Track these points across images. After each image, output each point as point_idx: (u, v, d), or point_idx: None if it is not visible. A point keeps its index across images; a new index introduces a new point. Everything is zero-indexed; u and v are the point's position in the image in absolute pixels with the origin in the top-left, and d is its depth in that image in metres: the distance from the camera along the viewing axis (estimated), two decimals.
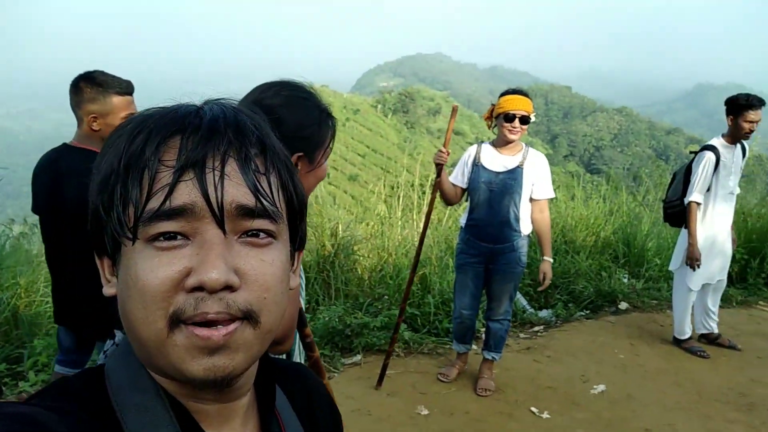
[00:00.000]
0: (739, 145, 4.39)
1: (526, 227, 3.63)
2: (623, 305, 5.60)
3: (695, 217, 4.32)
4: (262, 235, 0.58)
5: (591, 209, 7.12)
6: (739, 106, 4.20)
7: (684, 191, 4.42)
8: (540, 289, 3.80)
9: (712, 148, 4.32)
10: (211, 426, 0.62)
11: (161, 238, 0.55)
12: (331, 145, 1.45)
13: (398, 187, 7.09)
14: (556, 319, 5.26)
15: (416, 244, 6.24)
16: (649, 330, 5.03)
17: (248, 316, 0.57)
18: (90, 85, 2.35)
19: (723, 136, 4.39)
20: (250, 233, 0.58)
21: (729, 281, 6.45)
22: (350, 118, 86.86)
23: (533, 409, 3.61)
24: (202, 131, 0.56)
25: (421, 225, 6.66)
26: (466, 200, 3.79)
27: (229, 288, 0.55)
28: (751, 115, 4.17)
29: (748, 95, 4.23)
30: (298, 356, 1.59)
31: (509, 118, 3.46)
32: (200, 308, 0.54)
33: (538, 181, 3.60)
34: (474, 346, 4.33)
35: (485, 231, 3.61)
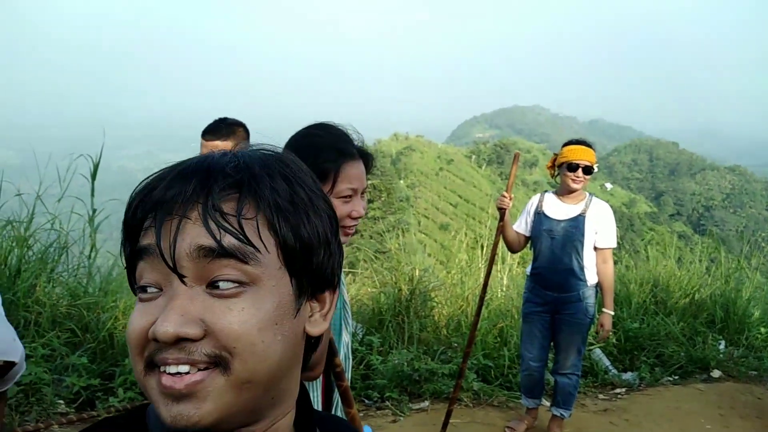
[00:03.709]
0: None
1: (592, 277, 3.56)
2: (716, 373, 5.21)
3: None
4: (226, 285, 0.57)
5: (685, 269, 6.75)
6: None
7: None
8: (598, 340, 3.71)
9: None
10: None
11: (144, 290, 0.59)
12: (338, 185, 1.52)
13: (482, 237, 7.09)
14: (639, 382, 4.98)
15: (497, 294, 6.20)
16: (743, 401, 4.64)
17: (218, 362, 0.56)
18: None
19: None
20: (215, 284, 0.57)
21: None
22: (444, 168, 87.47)
23: None
24: (167, 180, 0.59)
25: (504, 277, 6.62)
26: (531, 249, 3.77)
27: (187, 340, 0.55)
28: None
29: None
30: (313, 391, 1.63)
31: (572, 167, 3.47)
32: (161, 354, 0.56)
33: (601, 229, 3.56)
34: (546, 402, 4.19)
35: (549, 279, 3.57)
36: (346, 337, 1.69)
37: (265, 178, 0.61)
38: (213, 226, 0.56)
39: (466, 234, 7.31)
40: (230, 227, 0.57)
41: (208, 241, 0.56)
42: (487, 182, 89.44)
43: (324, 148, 1.52)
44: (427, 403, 4.22)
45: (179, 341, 0.55)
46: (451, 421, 3.79)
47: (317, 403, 1.61)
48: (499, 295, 6.15)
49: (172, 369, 0.55)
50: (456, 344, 4.97)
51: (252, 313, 0.57)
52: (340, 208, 1.54)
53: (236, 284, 0.57)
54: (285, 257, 0.61)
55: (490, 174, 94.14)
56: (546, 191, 3.80)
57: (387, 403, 4.16)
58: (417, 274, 5.49)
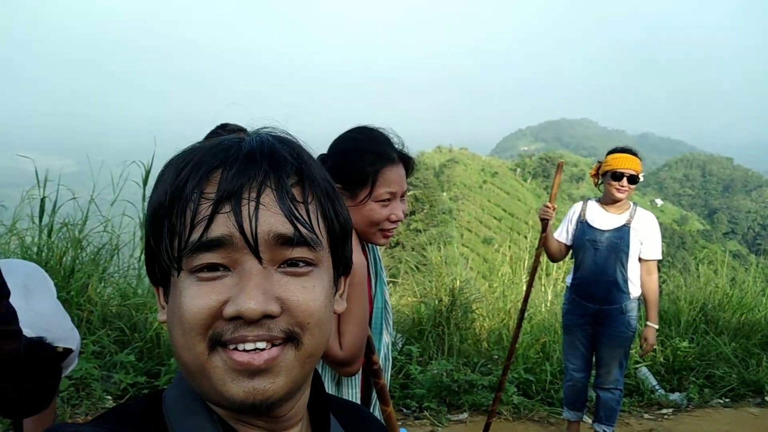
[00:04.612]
0: None
1: (635, 289, 3.46)
2: None
3: None
4: (301, 264, 0.60)
5: (738, 288, 6.49)
6: None
7: None
8: (641, 354, 3.60)
9: None
10: None
11: (204, 270, 0.57)
12: (377, 188, 1.54)
13: (525, 251, 7.00)
14: (687, 403, 4.81)
15: (540, 309, 6.10)
16: None
17: (291, 338, 0.58)
18: None
19: None
20: (289, 263, 0.59)
21: None
22: (488, 181, 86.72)
23: None
24: (238, 164, 0.59)
25: (549, 292, 6.51)
26: (571, 258, 3.70)
27: (268, 317, 0.57)
28: None
29: None
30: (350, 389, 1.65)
31: (617, 176, 3.39)
32: (239, 332, 0.56)
33: (646, 240, 3.47)
34: (588, 419, 4.09)
35: (591, 291, 3.49)
36: (386, 337, 1.70)
37: (311, 164, 0.64)
38: (288, 215, 0.59)
39: (510, 247, 7.24)
40: (302, 217, 0.60)
41: (286, 230, 0.58)
42: (532, 196, 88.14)
43: (365, 151, 1.55)
44: (465, 414, 4.18)
45: (261, 318, 0.57)
46: None
47: (356, 400, 1.62)
48: (543, 310, 6.05)
49: (249, 346, 0.57)
50: (497, 356, 4.91)
51: (320, 291, 0.61)
52: (379, 211, 1.55)
53: (308, 265, 0.61)
54: (331, 241, 0.65)
55: (536, 188, 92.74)
56: (589, 199, 3.73)
57: (425, 413, 4.13)
58: (458, 285, 5.46)
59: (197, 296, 0.57)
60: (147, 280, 4.86)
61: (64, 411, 3.45)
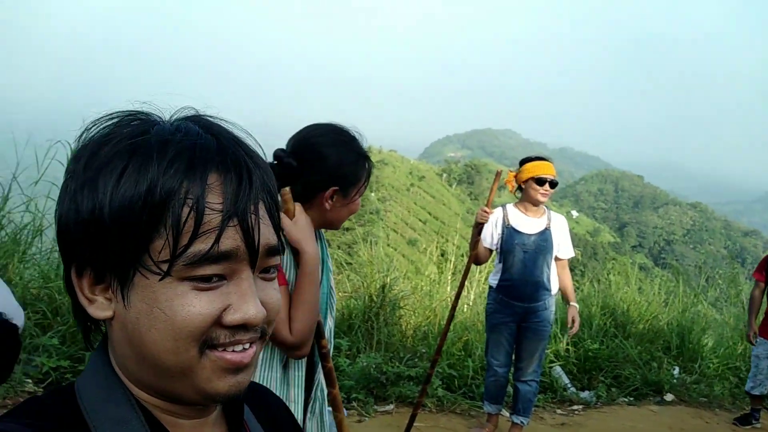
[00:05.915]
0: None
1: (555, 286, 3.76)
2: (669, 397, 5.43)
3: None
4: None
5: (645, 296, 6.99)
6: None
7: None
8: (570, 333, 3.84)
9: None
10: None
11: (201, 279, 0.57)
12: (365, 185, 1.68)
13: (450, 252, 7.23)
14: (596, 400, 5.16)
15: (462, 309, 6.33)
16: (693, 425, 4.85)
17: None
18: None
19: None
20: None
21: None
22: (415, 184, 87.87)
23: None
24: (242, 174, 0.58)
25: (471, 292, 6.76)
26: (493, 261, 3.91)
27: None
28: None
29: None
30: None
31: (541, 181, 3.63)
32: (236, 337, 0.59)
33: (562, 241, 3.78)
34: (506, 412, 4.31)
35: (520, 291, 3.71)
36: (330, 322, 1.79)
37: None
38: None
39: (437, 248, 7.45)
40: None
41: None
42: (457, 201, 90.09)
43: (358, 155, 1.65)
44: (392, 406, 4.31)
45: None
46: (415, 424, 3.88)
47: (301, 381, 1.69)
48: (465, 310, 6.29)
49: (239, 347, 0.60)
50: (424, 350, 5.07)
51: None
52: (359, 201, 1.70)
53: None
54: None
55: (460, 193, 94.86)
56: (505, 204, 3.91)
57: (353, 404, 4.23)
58: (388, 282, 5.59)
59: (197, 305, 0.57)
60: None
61: None
